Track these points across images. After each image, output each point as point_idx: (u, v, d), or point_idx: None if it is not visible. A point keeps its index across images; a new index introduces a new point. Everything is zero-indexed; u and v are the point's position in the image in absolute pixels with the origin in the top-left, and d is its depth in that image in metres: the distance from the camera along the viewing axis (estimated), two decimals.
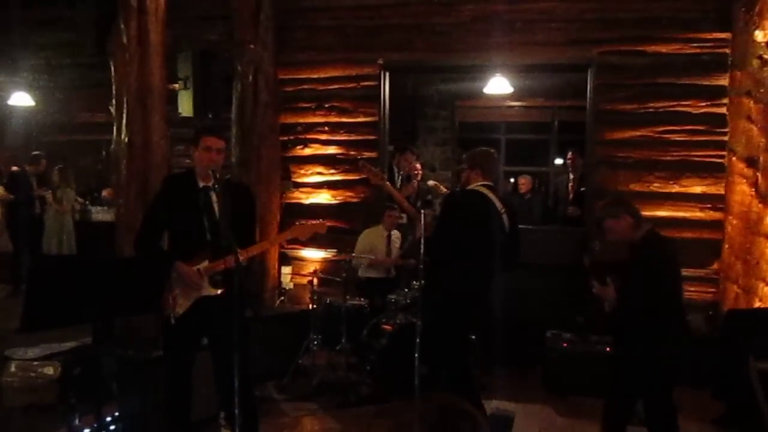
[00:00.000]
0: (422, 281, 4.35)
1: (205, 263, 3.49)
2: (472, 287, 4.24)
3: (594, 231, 4.41)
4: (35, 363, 4.61)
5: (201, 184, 3.55)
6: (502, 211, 4.28)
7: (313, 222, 3.89)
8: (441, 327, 4.30)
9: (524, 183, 8.53)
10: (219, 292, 3.50)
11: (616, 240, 3.68)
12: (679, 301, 3.64)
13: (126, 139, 5.19)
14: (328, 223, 4.04)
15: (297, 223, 3.89)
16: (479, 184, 4.31)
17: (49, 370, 4.54)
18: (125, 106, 5.19)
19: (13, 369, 4.59)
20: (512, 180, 10.07)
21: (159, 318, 3.68)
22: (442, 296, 4.30)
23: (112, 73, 5.29)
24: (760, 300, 5.25)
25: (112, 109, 5.32)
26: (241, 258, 3.23)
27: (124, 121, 5.20)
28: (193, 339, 3.69)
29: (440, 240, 4.20)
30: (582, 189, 6.97)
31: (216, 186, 3.50)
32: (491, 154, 4.47)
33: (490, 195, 4.27)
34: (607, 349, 5.14)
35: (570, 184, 7.47)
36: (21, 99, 8.86)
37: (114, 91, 5.29)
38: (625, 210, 3.65)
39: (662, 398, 3.61)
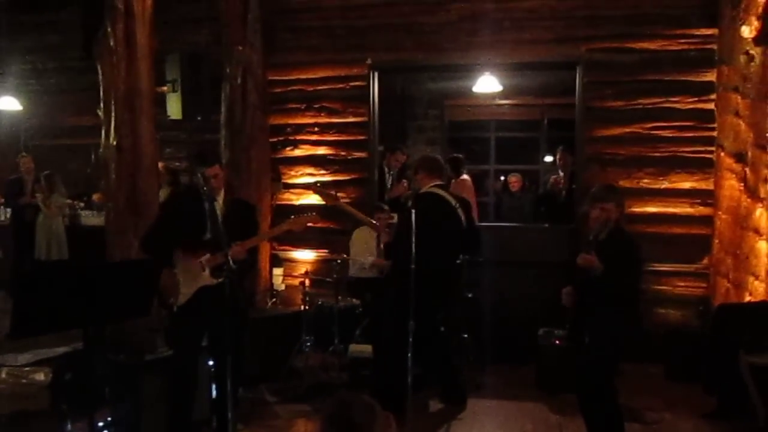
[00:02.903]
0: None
1: (207, 256, 3.80)
2: (428, 280, 4.29)
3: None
4: (26, 369, 4.58)
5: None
6: (457, 206, 4.56)
7: (306, 215, 4.14)
8: (392, 316, 4.37)
9: (515, 181, 8.53)
10: (219, 281, 3.72)
11: (595, 225, 3.83)
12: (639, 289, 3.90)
13: (114, 143, 5.15)
14: (319, 225, 4.17)
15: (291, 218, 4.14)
16: (431, 185, 4.57)
17: (40, 376, 4.51)
18: (113, 109, 5.16)
19: (3, 376, 4.56)
20: (502, 178, 10.07)
21: (162, 309, 3.86)
22: (398, 286, 4.33)
23: (100, 77, 5.26)
24: (751, 294, 5.28)
25: (100, 113, 5.29)
26: (236, 251, 3.64)
27: (112, 124, 5.16)
28: (198, 332, 3.87)
29: (401, 243, 4.32)
30: (573, 186, 6.97)
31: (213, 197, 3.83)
32: (434, 158, 4.89)
33: (443, 194, 4.57)
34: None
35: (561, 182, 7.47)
36: (8, 103, 8.78)
37: (102, 95, 5.26)
38: (620, 201, 3.88)
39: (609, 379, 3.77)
